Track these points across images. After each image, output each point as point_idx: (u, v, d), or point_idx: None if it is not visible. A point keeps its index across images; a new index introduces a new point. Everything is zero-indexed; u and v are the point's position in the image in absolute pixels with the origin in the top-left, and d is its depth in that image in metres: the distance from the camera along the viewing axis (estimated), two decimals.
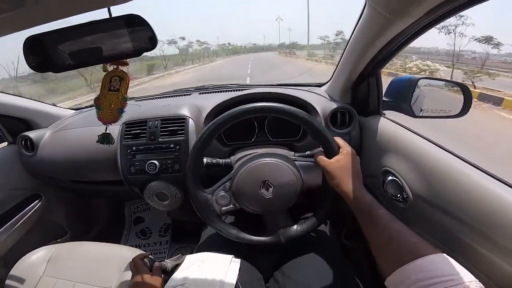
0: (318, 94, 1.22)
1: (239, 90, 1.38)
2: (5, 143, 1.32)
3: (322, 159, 0.74)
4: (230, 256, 0.78)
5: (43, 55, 0.60)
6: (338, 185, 0.70)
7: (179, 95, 1.48)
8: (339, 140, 0.77)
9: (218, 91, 1.43)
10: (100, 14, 0.55)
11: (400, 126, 0.92)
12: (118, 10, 0.55)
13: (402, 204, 0.80)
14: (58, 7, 0.50)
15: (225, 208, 0.82)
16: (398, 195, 0.82)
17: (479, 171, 0.63)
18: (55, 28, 0.57)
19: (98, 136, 0.73)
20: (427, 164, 0.74)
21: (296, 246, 0.85)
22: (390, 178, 0.86)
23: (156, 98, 1.48)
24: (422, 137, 0.83)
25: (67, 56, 0.61)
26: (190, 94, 1.46)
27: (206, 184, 0.85)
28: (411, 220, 0.80)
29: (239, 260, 0.78)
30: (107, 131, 0.70)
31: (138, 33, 0.58)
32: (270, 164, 0.79)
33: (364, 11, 0.71)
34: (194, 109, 1.13)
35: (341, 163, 0.72)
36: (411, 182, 0.77)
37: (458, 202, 0.62)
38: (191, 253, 0.83)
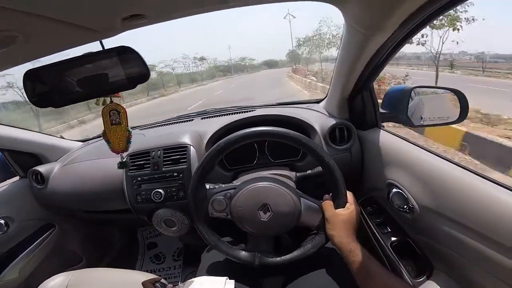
0: (317, 111, 1.23)
1: (240, 112, 1.40)
2: (17, 177, 1.37)
3: (329, 208, 0.77)
4: (224, 278, 0.79)
5: (42, 90, 0.63)
6: (334, 236, 0.74)
7: (182, 121, 1.52)
8: (349, 195, 0.79)
9: (220, 115, 1.46)
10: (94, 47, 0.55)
11: (400, 138, 0.92)
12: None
13: (409, 215, 0.80)
14: (50, 43, 0.53)
15: (217, 213, 0.83)
16: (405, 207, 0.81)
17: (481, 178, 0.63)
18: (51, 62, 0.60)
19: (118, 164, 0.83)
20: (429, 175, 0.74)
21: (303, 264, 0.84)
22: (394, 190, 0.85)
23: (159, 125, 1.51)
24: (422, 148, 0.83)
25: (66, 91, 0.64)
26: (192, 120, 1.50)
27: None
28: (420, 231, 0.79)
29: (233, 281, 0.79)
30: (124, 159, 0.78)
31: (131, 65, 0.61)
32: (275, 190, 0.80)
33: (344, 29, 0.73)
34: (195, 136, 1.15)
35: (344, 218, 0.75)
36: (416, 193, 0.77)
37: (463, 210, 0.62)
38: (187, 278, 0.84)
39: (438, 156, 0.76)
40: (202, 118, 1.48)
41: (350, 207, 0.77)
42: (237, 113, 1.41)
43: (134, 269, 1.81)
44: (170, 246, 1.90)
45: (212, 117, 1.47)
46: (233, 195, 0.81)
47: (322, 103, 1.30)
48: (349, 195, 0.79)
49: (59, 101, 0.65)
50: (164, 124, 1.53)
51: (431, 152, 0.79)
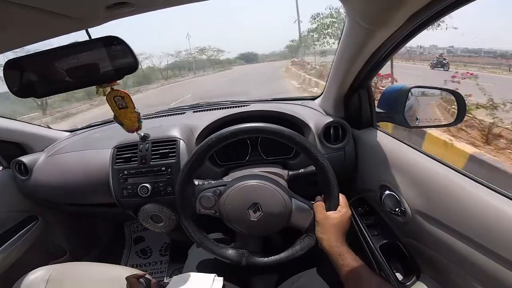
0: (312, 108, 1.21)
1: (233, 106, 1.38)
2: (0, 168, 1.33)
3: (320, 210, 0.76)
4: (212, 275, 0.79)
5: (24, 80, 0.60)
6: (324, 239, 0.73)
7: (173, 114, 1.48)
8: (342, 198, 0.78)
9: (213, 109, 1.43)
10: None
11: (395, 138, 0.91)
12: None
13: (401, 218, 0.79)
14: (30, 32, 0.50)
15: (204, 210, 0.81)
16: (397, 209, 0.81)
17: (476, 183, 0.62)
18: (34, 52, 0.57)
19: (139, 139, 0.95)
20: (423, 178, 0.73)
21: (294, 264, 0.83)
22: (387, 192, 0.85)
23: (150, 117, 1.48)
24: (417, 150, 0.82)
25: (49, 81, 0.62)
26: (184, 113, 1.46)
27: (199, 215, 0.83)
28: (411, 234, 0.79)
29: (221, 279, 0.78)
30: (143, 134, 0.87)
31: (118, 55, 0.59)
32: (268, 190, 0.78)
33: (345, 24, 0.70)
34: (185, 129, 1.12)
35: (335, 221, 0.74)
36: (409, 196, 0.76)
37: (456, 215, 0.62)
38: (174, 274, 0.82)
39: (433, 158, 0.75)
40: (194, 111, 1.45)
41: (342, 210, 0.76)
42: (230, 107, 1.38)
43: (120, 264, 1.78)
44: (158, 241, 1.87)
45: (204, 110, 1.44)
46: (223, 192, 0.79)
47: (318, 100, 1.28)
48: (342, 197, 0.78)
49: (42, 91, 0.63)
50: (155, 117, 1.50)
51: (426, 155, 0.78)
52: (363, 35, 0.65)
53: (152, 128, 1.18)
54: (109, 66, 0.60)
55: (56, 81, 0.62)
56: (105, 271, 0.99)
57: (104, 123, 1.59)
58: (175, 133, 1.09)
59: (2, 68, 0.58)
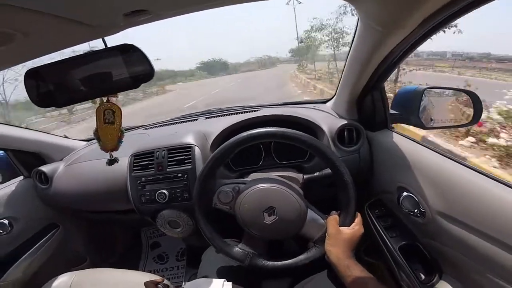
0: (324, 111, 1.20)
1: (245, 112, 1.39)
2: (21, 177, 1.36)
3: (333, 224, 0.77)
4: (221, 280, 0.80)
5: (44, 90, 0.61)
6: (332, 252, 0.74)
7: (186, 121, 1.50)
8: (357, 216, 0.80)
9: (224, 115, 1.45)
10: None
11: (410, 139, 0.90)
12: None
13: (420, 219, 0.79)
14: (50, 40, 0.51)
15: (220, 205, 0.82)
16: (415, 211, 0.80)
17: (495, 181, 0.62)
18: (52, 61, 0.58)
19: (106, 161, 0.80)
20: (441, 178, 0.72)
21: (310, 267, 0.83)
22: (405, 194, 0.84)
23: (164, 125, 1.50)
24: (434, 150, 0.80)
25: (68, 90, 0.62)
26: (196, 119, 1.48)
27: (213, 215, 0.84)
28: (430, 235, 0.78)
29: (230, 284, 0.79)
30: (113, 157, 0.77)
31: (134, 63, 0.59)
32: (286, 196, 0.79)
33: (358, 26, 0.70)
34: (200, 136, 1.14)
35: (347, 237, 0.76)
36: (428, 197, 0.76)
37: (477, 214, 0.62)
38: (188, 280, 0.83)
39: (450, 158, 0.74)
40: (206, 118, 1.46)
41: (355, 227, 0.78)
42: (241, 112, 1.40)
43: (137, 269, 1.81)
44: (174, 246, 1.89)
45: (216, 116, 1.45)
46: (242, 190, 0.80)
47: (330, 103, 1.27)
48: (358, 216, 0.80)
49: (62, 100, 0.64)
50: (168, 124, 1.52)
51: (443, 155, 0.77)
52: (376, 38, 0.65)
53: (167, 135, 1.20)
54: (126, 74, 0.60)
55: (74, 90, 0.62)
56: (124, 277, 1.01)
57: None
58: (190, 139, 1.11)
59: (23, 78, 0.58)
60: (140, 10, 0.47)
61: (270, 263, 0.80)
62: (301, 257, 0.79)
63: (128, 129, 1.60)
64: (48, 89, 0.61)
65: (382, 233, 0.91)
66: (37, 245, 1.27)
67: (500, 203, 0.58)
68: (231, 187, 0.81)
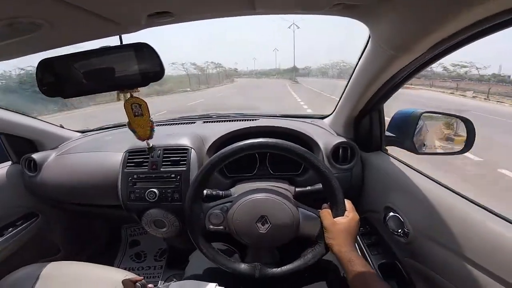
0: (321, 127, 1.22)
1: (243, 120, 1.40)
2: (9, 162, 1.33)
3: (327, 217, 0.76)
4: (213, 284, 0.78)
5: (54, 80, 0.61)
6: (333, 245, 0.73)
7: (184, 123, 1.50)
8: (348, 203, 0.79)
9: (222, 121, 1.45)
10: (112, 42, 0.56)
11: (402, 163, 0.93)
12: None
13: (403, 239, 0.81)
14: (73, 32, 0.52)
15: (214, 227, 0.81)
16: (399, 230, 0.82)
17: (479, 207, 0.65)
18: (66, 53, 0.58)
19: (146, 149, 0.91)
20: (428, 202, 0.74)
21: (297, 276, 0.83)
22: (391, 214, 0.86)
23: (162, 124, 1.50)
24: (424, 175, 0.84)
25: (77, 82, 0.62)
26: (194, 122, 1.48)
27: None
28: (411, 254, 0.81)
29: None
30: (150, 145, 0.82)
31: (146, 62, 0.60)
32: (273, 202, 0.79)
33: (368, 46, 0.72)
34: (197, 139, 1.14)
35: (343, 226, 0.74)
36: (413, 218, 0.78)
37: (460, 238, 0.64)
38: (175, 279, 0.82)
39: (439, 184, 0.77)
40: (204, 122, 1.47)
41: (349, 214, 0.76)
42: (240, 120, 1.41)
43: (112, 266, 1.76)
44: (153, 246, 1.86)
45: (214, 121, 1.46)
46: (229, 208, 0.80)
47: (328, 120, 1.29)
48: (348, 203, 0.79)
49: (69, 92, 0.64)
50: (166, 124, 1.51)
51: (432, 180, 0.80)
52: (385, 59, 0.66)
53: (164, 135, 1.20)
54: (137, 72, 0.61)
55: (83, 83, 0.62)
56: (98, 272, 0.98)
57: (115, 127, 1.61)
58: (187, 142, 1.11)
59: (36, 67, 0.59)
60: (164, 11, 0.48)
61: (279, 269, 0.79)
62: (308, 256, 0.78)
63: (122, 125, 1.59)
64: (58, 80, 0.62)
65: (364, 250, 0.94)
66: (12, 232, 1.23)
67: (481, 229, 0.60)
68: (219, 208, 0.81)
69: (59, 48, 0.61)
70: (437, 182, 0.79)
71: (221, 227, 0.81)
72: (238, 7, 0.52)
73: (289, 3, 0.52)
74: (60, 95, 0.63)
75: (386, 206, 0.89)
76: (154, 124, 0.75)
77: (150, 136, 0.75)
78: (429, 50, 0.56)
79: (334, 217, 0.76)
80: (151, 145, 0.82)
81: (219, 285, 0.79)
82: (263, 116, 1.45)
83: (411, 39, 0.54)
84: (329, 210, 0.78)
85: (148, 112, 0.71)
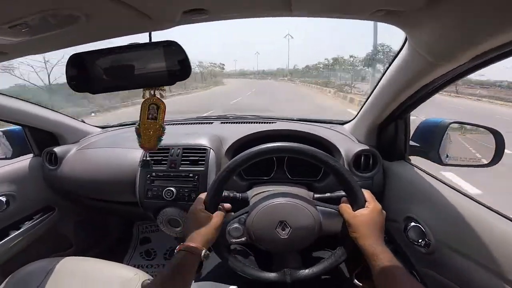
0: (341, 133, 1.19)
1: (260, 122, 1.39)
2: (31, 155, 1.36)
3: (347, 211, 0.73)
4: (233, 287, 0.79)
5: (82, 75, 0.61)
6: (358, 238, 0.69)
7: (201, 123, 1.51)
8: (367, 193, 0.75)
9: (239, 122, 1.45)
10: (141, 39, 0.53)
11: (427, 173, 0.90)
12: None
13: (423, 249, 0.80)
14: (107, 26, 0.52)
15: (236, 240, 0.80)
16: (420, 240, 0.81)
17: (504, 219, 0.63)
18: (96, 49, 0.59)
19: (139, 162, 0.85)
20: (454, 213, 0.73)
21: (305, 286, 0.81)
22: (412, 224, 0.84)
23: (178, 123, 1.51)
24: (449, 186, 0.81)
25: (105, 78, 0.63)
26: (211, 123, 1.49)
27: None
28: (431, 265, 0.79)
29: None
30: (147, 158, 0.78)
31: (174, 60, 0.59)
32: (290, 205, 0.77)
33: (403, 51, 0.68)
34: (215, 140, 1.14)
35: (365, 218, 0.70)
36: (436, 229, 0.77)
37: (486, 250, 0.63)
38: (194, 280, 0.81)
39: (466, 196, 0.75)
40: (221, 123, 1.47)
41: (370, 205, 0.72)
42: (256, 122, 1.40)
43: (122, 262, 1.78)
44: (164, 244, 1.86)
45: (231, 123, 1.46)
46: (247, 219, 0.79)
47: (348, 126, 1.27)
48: (367, 193, 0.75)
49: (96, 87, 0.64)
50: (183, 123, 1.52)
51: (459, 192, 0.78)
52: (422, 66, 0.64)
53: (184, 134, 1.20)
54: (164, 70, 0.60)
55: (111, 79, 0.63)
56: (108, 269, 0.99)
57: (134, 124, 1.61)
58: (206, 142, 1.11)
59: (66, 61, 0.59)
60: (199, 9, 0.47)
61: (310, 270, 0.77)
62: (338, 252, 0.76)
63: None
64: (87, 76, 0.62)
65: None
66: (28, 226, 1.25)
67: (506, 240, 0.59)
68: (236, 221, 0.80)
69: (89, 44, 0.61)
70: (463, 194, 0.76)
71: (243, 239, 0.79)
72: (274, 8, 0.51)
73: (328, 6, 0.51)
74: (88, 91, 0.64)
75: (408, 216, 0.86)
76: (165, 132, 0.70)
77: (154, 147, 0.71)
78: (473, 59, 0.54)
79: (354, 210, 0.72)
80: (147, 158, 0.79)
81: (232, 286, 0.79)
82: (280, 120, 1.44)
83: (454, 48, 0.52)
84: (348, 204, 0.75)
85: (163, 117, 0.68)
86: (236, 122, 1.45)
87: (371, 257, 0.64)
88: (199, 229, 0.70)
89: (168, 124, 1.48)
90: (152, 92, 0.65)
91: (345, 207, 0.74)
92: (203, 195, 0.78)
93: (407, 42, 0.64)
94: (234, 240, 0.80)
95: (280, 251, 0.81)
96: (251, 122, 1.42)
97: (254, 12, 0.53)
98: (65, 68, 0.60)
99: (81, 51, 0.59)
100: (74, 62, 0.60)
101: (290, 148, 0.75)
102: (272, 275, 0.79)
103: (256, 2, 0.49)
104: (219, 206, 0.77)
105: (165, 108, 0.67)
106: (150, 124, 0.68)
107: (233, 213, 0.85)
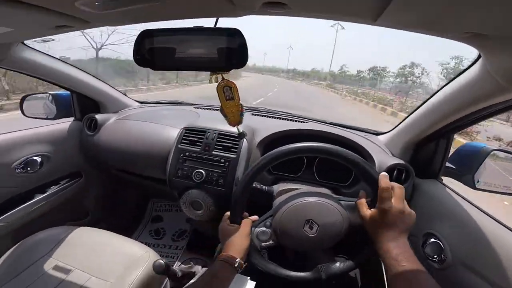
0: (375, 144, 1.18)
1: (291, 120, 1.39)
2: (72, 118, 1.40)
3: (362, 208, 0.70)
4: (246, 278, 0.81)
5: (148, 51, 0.64)
6: (374, 240, 0.66)
7: None
8: (399, 190, 0.68)
9: (270, 116, 1.45)
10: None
11: (458, 195, 0.89)
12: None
13: (436, 265, 0.81)
14: (187, 7, 0.53)
15: (265, 243, 0.80)
16: (435, 256, 0.82)
17: None
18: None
19: (237, 134, 0.92)
20: (477, 234, 0.74)
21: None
22: (432, 240, 0.85)
23: (213, 109, 1.52)
24: (477, 208, 0.81)
25: (168, 57, 0.64)
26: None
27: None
28: (442, 281, 0.78)
29: (253, 283, 0.80)
30: (241, 131, 0.86)
31: (234, 48, 0.61)
32: (314, 204, 0.77)
33: (473, 70, 0.66)
34: (249, 130, 1.15)
35: (379, 218, 0.65)
36: (456, 247, 0.78)
37: (501, 270, 0.64)
38: (203, 266, 0.82)
39: (493, 218, 0.76)
40: (252, 114, 1.48)
41: (385, 205, 0.65)
42: (288, 119, 1.40)
43: (131, 237, 1.81)
44: (174, 225, 1.89)
45: (262, 116, 1.46)
46: (273, 222, 0.79)
47: (383, 137, 1.24)
48: (399, 189, 0.67)
49: (158, 64, 0.66)
50: (217, 109, 1.53)
51: (489, 215, 0.78)
52: (491, 89, 0.61)
53: (219, 120, 1.21)
54: (223, 56, 0.62)
55: (174, 58, 0.64)
56: (119, 244, 1.01)
57: (171, 103, 1.66)
58: (241, 130, 1.11)
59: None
60: (280, 2, 0.47)
61: (342, 264, 0.77)
62: (371, 246, 0.74)
63: (178, 103, 1.65)
64: (152, 52, 0.64)
65: None
66: (53, 191, 1.28)
67: None
68: (262, 225, 0.80)
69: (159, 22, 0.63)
70: (492, 217, 0.76)
71: (271, 241, 0.80)
72: (357, 14, 0.50)
73: (419, 23, 0.49)
74: (150, 66, 0.66)
75: (428, 232, 0.87)
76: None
77: (240, 121, 0.78)
78: None
79: (371, 207, 0.68)
80: (241, 130, 0.85)
81: (251, 280, 0.80)
82: (312, 121, 1.44)
83: None
84: (364, 200, 0.71)
85: (238, 95, 0.73)
86: (267, 116, 1.46)
87: (390, 261, 0.60)
88: (232, 241, 0.74)
89: (202, 108, 1.51)
90: (218, 77, 0.68)
91: (360, 204, 0.71)
92: (227, 214, 0.81)
93: (479, 62, 0.62)
94: (263, 244, 0.80)
95: (310, 249, 0.81)
96: (282, 118, 1.42)
97: (335, 14, 0.51)
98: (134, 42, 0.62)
99: (151, 28, 0.61)
100: (144, 37, 0.62)
101: (331, 150, 0.73)
102: (306, 274, 0.79)
103: (340, 5, 0.48)
104: (244, 214, 0.81)
105: (236, 87, 0.72)
106: (230, 104, 0.74)
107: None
